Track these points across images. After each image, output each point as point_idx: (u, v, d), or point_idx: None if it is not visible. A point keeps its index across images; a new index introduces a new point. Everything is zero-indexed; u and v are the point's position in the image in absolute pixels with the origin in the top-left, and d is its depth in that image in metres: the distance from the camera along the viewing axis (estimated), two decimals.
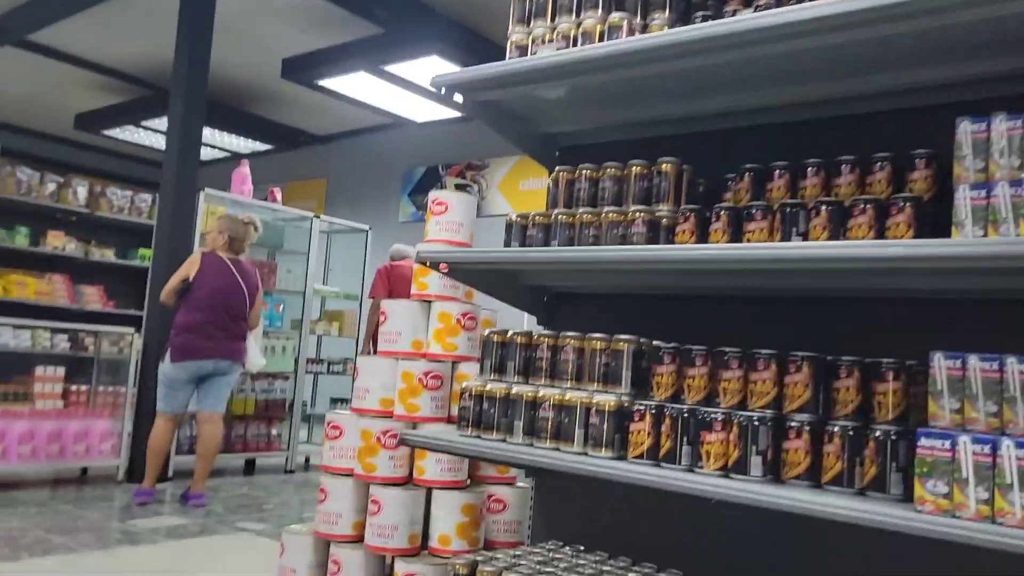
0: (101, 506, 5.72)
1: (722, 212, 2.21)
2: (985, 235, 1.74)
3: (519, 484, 3.34)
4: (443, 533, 3.03)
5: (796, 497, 1.75)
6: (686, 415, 2.05)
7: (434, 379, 3.17)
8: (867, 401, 1.94)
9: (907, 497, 1.79)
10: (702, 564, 2.54)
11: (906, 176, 2.11)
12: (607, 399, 2.20)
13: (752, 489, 1.85)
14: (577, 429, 2.23)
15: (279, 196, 7.81)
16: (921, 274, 1.99)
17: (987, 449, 1.58)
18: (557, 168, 2.70)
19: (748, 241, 2.14)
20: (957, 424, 1.71)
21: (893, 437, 1.81)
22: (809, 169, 2.25)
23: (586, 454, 2.21)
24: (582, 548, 2.79)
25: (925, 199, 1.96)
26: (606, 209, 2.45)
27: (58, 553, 4.39)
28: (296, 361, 7.75)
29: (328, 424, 3.35)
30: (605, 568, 2.55)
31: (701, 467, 2.00)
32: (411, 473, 3.19)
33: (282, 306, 7.78)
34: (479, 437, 2.45)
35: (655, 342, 2.32)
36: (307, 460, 8.13)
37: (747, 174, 2.37)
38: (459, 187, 9.43)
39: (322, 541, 3.26)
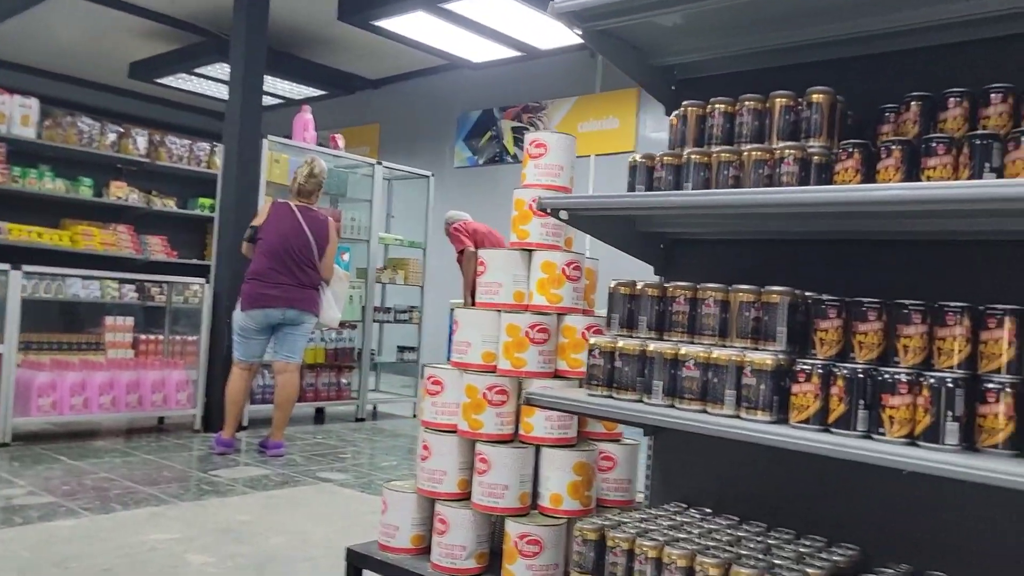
0: (182, 456, 5.75)
1: (894, 147, 1.96)
2: None
3: (626, 440, 3.18)
4: (555, 492, 2.90)
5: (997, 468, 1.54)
6: (861, 375, 1.84)
7: (540, 332, 2.99)
8: None
9: None
10: (832, 526, 2.37)
11: None
12: (763, 357, 1.99)
13: (952, 461, 1.64)
14: (728, 390, 2.04)
15: (341, 143, 7.64)
16: None
17: None
18: (685, 103, 2.46)
19: (928, 179, 1.89)
20: None
21: None
22: (993, 95, 1.98)
23: (739, 417, 2.02)
24: (709, 511, 2.64)
25: None
26: (747, 147, 2.21)
27: (148, 505, 4.40)
28: (363, 310, 7.68)
29: (429, 379, 3.21)
30: (740, 533, 2.39)
31: (883, 433, 1.79)
32: (517, 429, 3.05)
33: (348, 255, 7.67)
34: (611, 397, 2.28)
35: (812, 294, 2.10)
36: (375, 408, 8.13)
37: (915, 103, 2.10)
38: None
39: (426, 499, 3.16)
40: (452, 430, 3.14)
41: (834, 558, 2.18)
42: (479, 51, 10.05)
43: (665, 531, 2.34)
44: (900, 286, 2.22)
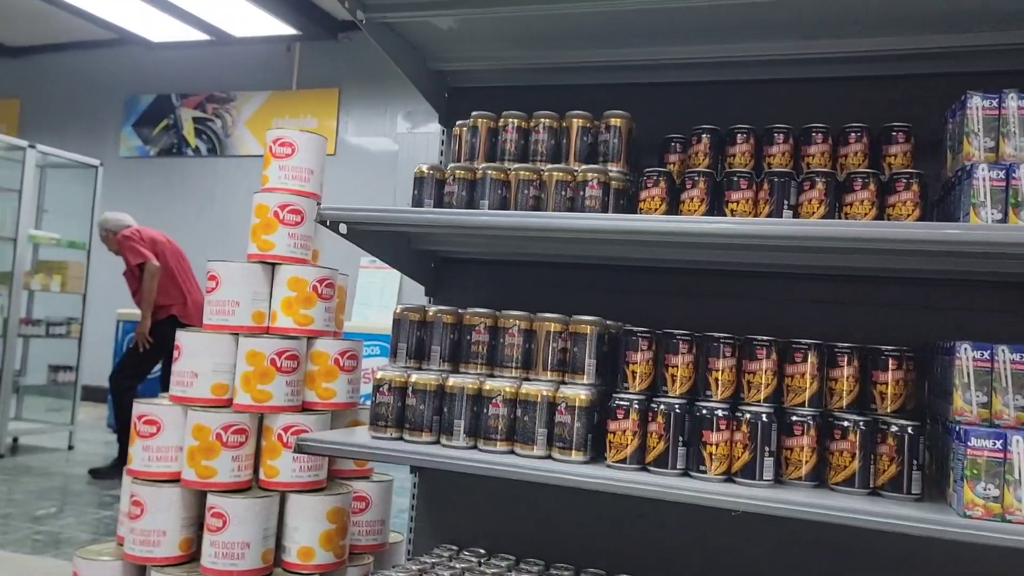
0: None
1: (698, 178, 1.96)
2: (1004, 219, 1.66)
3: (378, 476, 2.89)
4: (305, 546, 2.51)
5: (843, 506, 1.57)
6: (679, 411, 1.79)
7: (289, 359, 2.58)
8: (865, 391, 1.83)
9: (922, 497, 1.71)
10: (611, 558, 2.34)
11: (883, 149, 2.01)
12: (577, 392, 1.86)
13: (772, 497, 1.64)
14: (539, 428, 1.87)
15: None
16: (927, 256, 1.90)
17: None
18: (476, 114, 2.27)
19: (732, 213, 1.91)
20: (984, 419, 1.64)
21: (911, 432, 1.70)
22: (777, 135, 2.07)
23: (551, 457, 1.87)
24: (483, 552, 2.46)
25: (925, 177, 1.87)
26: (549, 167, 2.09)
27: None
28: (5, 322, 6.31)
29: (140, 418, 2.61)
30: (524, 575, 2.25)
31: (703, 471, 1.75)
32: (257, 475, 2.60)
33: None
34: (403, 440, 1.99)
35: (620, 324, 2.03)
36: (15, 441, 6.75)
37: (705, 135, 2.13)
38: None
39: (137, 567, 2.56)
40: (173, 479, 2.58)
41: None
42: (158, 29, 8.91)
43: None
44: (660, 311, 2.26)
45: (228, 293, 2.65)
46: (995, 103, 1.76)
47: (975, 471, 1.54)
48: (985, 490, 1.53)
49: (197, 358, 2.61)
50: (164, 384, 5.96)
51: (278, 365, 2.56)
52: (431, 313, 2.08)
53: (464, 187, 2.12)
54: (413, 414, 1.98)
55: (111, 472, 5.65)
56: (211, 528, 2.46)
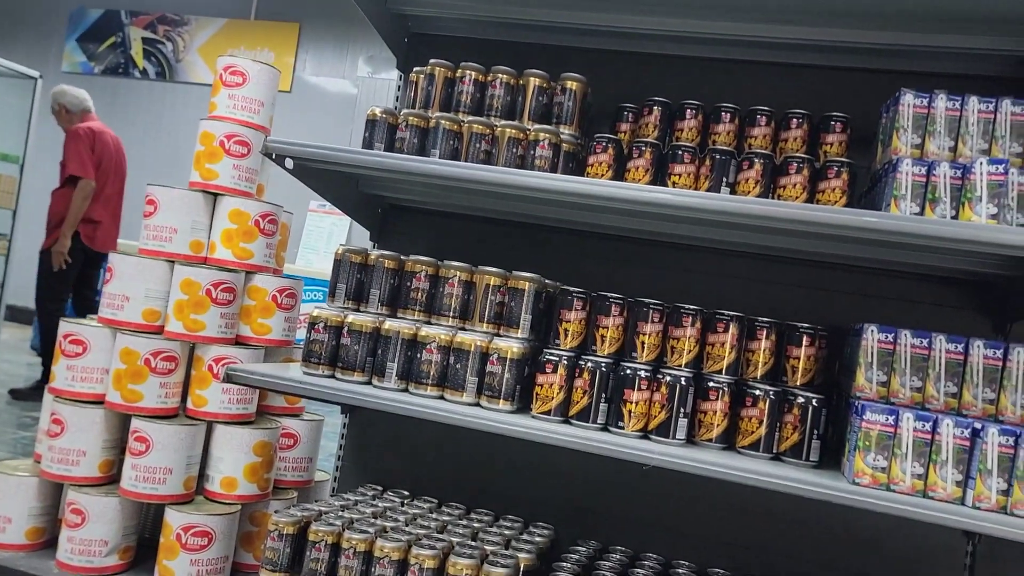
0: None
1: (645, 149, 2.01)
2: (921, 212, 1.77)
3: (309, 416, 2.92)
4: (228, 476, 2.53)
5: (745, 467, 1.68)
6: (605, 369, 1.87)
7: (225, 292, 2.58)
8: (779, 363, 1.93)
9: (820, 464, 1.83)
10: (528, 506, 2.44)
11: (821, 137, 2.09)
12: (510, 344, 1.92)
13: (683, 455, 1.74)
14: (470, 376, 1.93)
15: None
16: (848, 242, 2.00)
17: (927, 426, 1.64)
18: (433, 62, 2.27)
19: (674, 185, 1.98)
20: (882, 397, 1.76)
21: (815, 404, 1.81)
22: (724, 114, 2.14)
23: (480, 405, 1.93)
24: (407, 494, 2.52)
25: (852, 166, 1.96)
26: (502, 123, 2.11)
27: None
28: None
29: (66, 337, 2.59)
30: (445, 518, 2.32)
31: (621, 427, 1.84)
32: (185, 403, 2.60)
33: None
34: (334, 378, 2.03)
35: (557, 284, 2.09)
36: None
37: (656, 107, 2.19)
38: None
39: (52, 484, 2.56)
40: (97, 401, 2.57)
41: (536, 539, 2.22)
42: None
43: (371, 521, 2.17)
44: (599, 274, 2.33)
45: (166, 219, 2.62)
46: (925, 102, 1.86)
47: (867, 443, 1.66)
48: (874, 461, 1.65)
49: (129, 282, 2.58)
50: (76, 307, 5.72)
51: (213, 296, 2.55)
52: (373, 256, 2.11)
53: (416, 134, 2.14)
54: (347, 354, 2.01)
55: (32, 394, 5.51)
56: (133, 452, 2.46)
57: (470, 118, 2.14)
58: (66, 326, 2.62)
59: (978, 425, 1.62)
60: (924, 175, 1.75)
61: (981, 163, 1.72)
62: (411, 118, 2.14)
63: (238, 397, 2.58)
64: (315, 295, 6.93)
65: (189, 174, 2.68)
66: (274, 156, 2.04)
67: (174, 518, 2.42)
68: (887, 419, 1.66)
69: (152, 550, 2.46)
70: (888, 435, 1.65)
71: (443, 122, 2.11)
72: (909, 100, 1.87)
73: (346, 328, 2.02)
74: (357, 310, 2.09)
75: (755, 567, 2.25)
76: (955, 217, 1.74)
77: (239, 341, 2.65)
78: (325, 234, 7.93)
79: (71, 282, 5.52)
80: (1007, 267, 2.00)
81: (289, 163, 2.08)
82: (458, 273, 2.04)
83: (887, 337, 1.78)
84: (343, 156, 2.00)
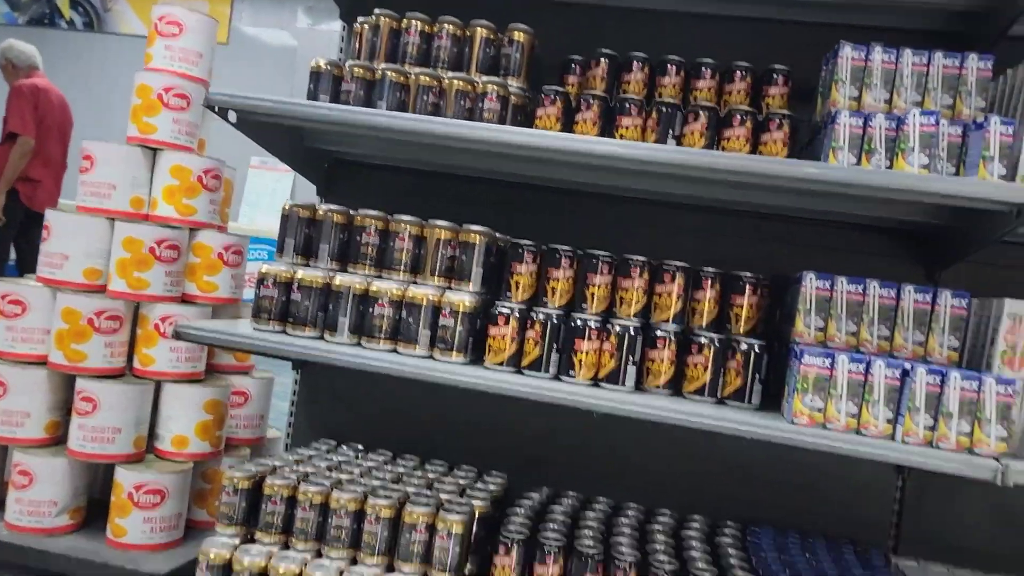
0: None
1: (593, 101, 2.03)
2: (859, 163, 1.83)
3: (259, 373, 2.91)
4: (180, 434, 2.52)
5: (691, 411, 1.74)
6: (556, 321, 1.91)
7: (169, 249, 2.53)
8: (724, 312, 1.99)
9: (761, 407, 1.90)
10: (481, 456, 2.49)
11: (764, 90, 2.13)
12: (462, 298, 1.94)
13: (633, 401, 1.79)
14: (423, 330, 1.95)
15: None
16: (790, 193, 2.06)
17: (861, 368, 1.72)
18: (378, 12, 2.23)
19: (622, 137, 2.00)
20: (820, 341, 1.84)
21: (756, 351, 1.88)
22: (670, 67, 2.16)
23: (433, 357, 1.95)
24: (361, 447, 2.55)
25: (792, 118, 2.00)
26: (450, 75, 2.10)
27: None
28: None
29: (3, 297, 2.51)
30: (400, 469, 2.35)
31: (572, 376, 1.89)
32: (131, 362, 2.57)
33: None
34: (286, 333, 2.02)
35: (508, 237, 2.10)
36: None
37: (604, 60, 2.20)
38: None
39: None
40: (39, 362, 2.51)
41: (490, 487, 2.27)
42: None
43: (327, 474, 2.19)
44: (578, 235, 2.35)
45: (104, 175, 2.55)
46: (863, 55, 1.91)
47: (805, 385, 1.73)
48: (812, 401, 1.73)
49: (68, 240, 2.51)
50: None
51: (157, 254, 2.51)
52: (321, 211, 2.09)
53: (362, 86, 2.11)
54: (297, 309, 2.00)
55: None
56: (80, 412, 2.43)
57: (417, 69, 2.12)
58: (3, 286, 2.54)
59: (908, 366, 1.71)
60: (861, 127, 1.81)
61: (914, 115, 1.79)
62: (357, 70, 2.11)
63: (187, 355, 2.55)
64: (259, 254, 6.81)
65: (121, 130, 2.60)
66: (216, 109, 1.99)
67: (125, 477, 2.40)
68: (824, 362, 1.73)
69: (104, 509, 2.45)
70: (825, 377, 1.73)
71: (390, 74, 2.09)
72: (847, 53, 1.92)
73: (296, 284, 2.01)
74: (307, 265, 2.08)
75: (701, 508, 2.35)
76: (890, 167, 1.81)
77: (185, 299, 2.61)
78: (268, 191, 7.76)
79: (9, 242, 5.36)
80: (938, 216, 2.08)
81: (232, 116, 2.04)
82: (408, 227, 2.04)
83: (825, 284, 1.85)
84: (289, 108, 1.97)
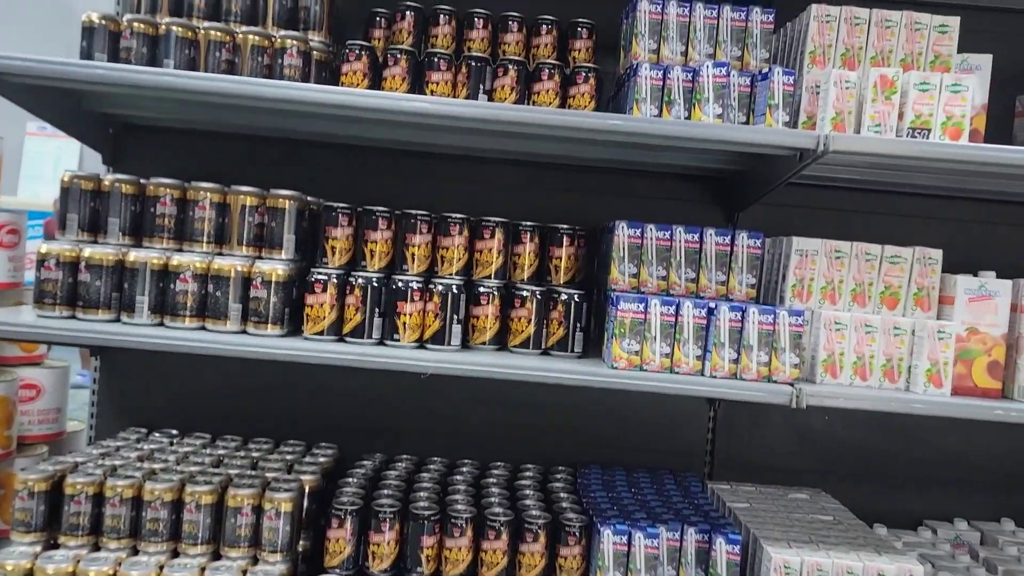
0: None
1: (401, 56, 1.96)
2: (660, 114, 1.90)
3: (52, 362, 2.64)
4: None
5: (516, 364, 1.76)
6: (376, 284, 1.85)
7: None
8: (543, 265, 2.02)
9: (584, 355, 1.96)
10: (310, 429, 2.42)
11: (569, 43, 2.15)
12: (274, 267, 1.84)
13: (460, 359, 1.79)
14: (233, 303, 1.83)
15: None
16: (599, 145, 2.10)
17: (672, 310, 1.81)
18: None
19: (432, 93, 1.96)
20: (633, 287, 1.92)
21: (576, 300, 1.93)
22: (477, 20, 2.13)
23: (247, 332, 1.84)
24: (176, 432, 2.38)
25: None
26: (244, 30, 1.96)
27: None
28: None
29: None
30: (220, 452, 2.22)
31: (397, 340, 1.85)
32: None
33: None
34: (76, 318, 1.83)
35: (320, 200, 2.01)
36: None
37: (409, 13, 2.13)
38: None
39: None
40: None
41: (320, 460, 2.21)
42: None
43: (137, 465, 2.03)
44: (394, 195, 2.28)
45: None
46: (659, 8, 1.98)
47: (622, 330, 1.80)
48: (629, 346, 1.81)
49: None
50: None
51: None
52: (107, 182, 1.90)
53: (144, 43, 1.92)
54: (87, 291, 1.82)
55: None
56: None
57: (207, 24, 1.95)
58: None
59: (712, 305, 1.82)
60: (660, 79, 1.87)
61: (707, 67, 1.87)
62: (136, 24, 1.92)
63: None
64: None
65: None
66: None
67: None
68: (638, 307, 1.81)
69: None
70: (639, 321, 1.80)
71: (175, 28, 1.91)
72: (645, 7, 1.98)
73: (83, 263, 1.82)
74: (95, 242, 1.89)
75: (535, 457, 2.41)
76: (688, 117, 1.89)
77: None
78: (51, 160, 6.99)
79: None
80: (734, 162, 2.22)
81: None
82: (209, 195, 1.90)
83: (635, 232, 1.92)
84: (57, 69, 1.75)
